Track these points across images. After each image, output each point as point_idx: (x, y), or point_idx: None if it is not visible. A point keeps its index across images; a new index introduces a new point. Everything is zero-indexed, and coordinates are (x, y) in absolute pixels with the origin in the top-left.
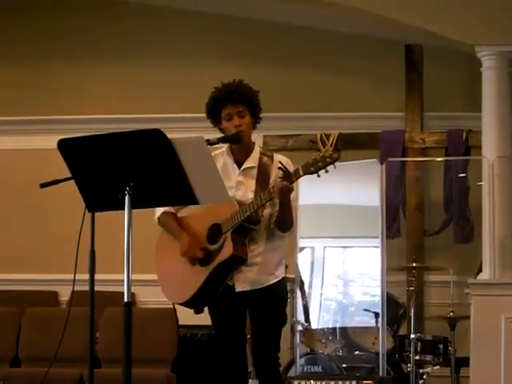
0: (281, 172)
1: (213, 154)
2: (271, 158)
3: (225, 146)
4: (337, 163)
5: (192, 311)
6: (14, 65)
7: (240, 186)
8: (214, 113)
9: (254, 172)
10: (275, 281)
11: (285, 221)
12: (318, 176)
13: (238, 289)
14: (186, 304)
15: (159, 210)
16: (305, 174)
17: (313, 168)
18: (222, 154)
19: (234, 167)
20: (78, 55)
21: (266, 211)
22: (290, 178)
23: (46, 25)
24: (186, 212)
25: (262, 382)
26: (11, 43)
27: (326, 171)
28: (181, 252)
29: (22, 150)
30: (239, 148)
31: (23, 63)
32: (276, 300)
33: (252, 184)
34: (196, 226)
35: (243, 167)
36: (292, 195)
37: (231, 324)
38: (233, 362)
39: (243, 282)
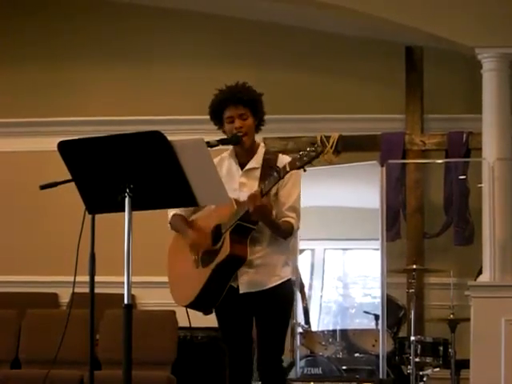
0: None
1: (219, 157)
2: (275, 158)
3: (229, 150)
4: (337, 165)
5: (195, 313)
6: (14, 67)
7: (243, 188)
8: (217, 115)
9: (257, 173)
10: (279, 282)
11: (274, 233)
12: (305, 171)
13: (242, 290)
14: (191, 306)
15: (169, 215)
16: (291, 170)
17: (298, 163)
18: (227, 158)
19: (238, 169)
20: (78, 57)
21: None
22: (278, 174)
23: (45, 27)
24: (197, 216)
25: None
26: (10, 45)
27: (311, 164)
28: (188, 246)
29: (22, 151)
30: (242, 150)
31: (23, 65)
32: (280, 302)
33: (255, 185)
34: (202, 226)
35: (245, 168)
36: (295, 194)
37: (237, 326)
38: (238, 364)
39: (247, 283)
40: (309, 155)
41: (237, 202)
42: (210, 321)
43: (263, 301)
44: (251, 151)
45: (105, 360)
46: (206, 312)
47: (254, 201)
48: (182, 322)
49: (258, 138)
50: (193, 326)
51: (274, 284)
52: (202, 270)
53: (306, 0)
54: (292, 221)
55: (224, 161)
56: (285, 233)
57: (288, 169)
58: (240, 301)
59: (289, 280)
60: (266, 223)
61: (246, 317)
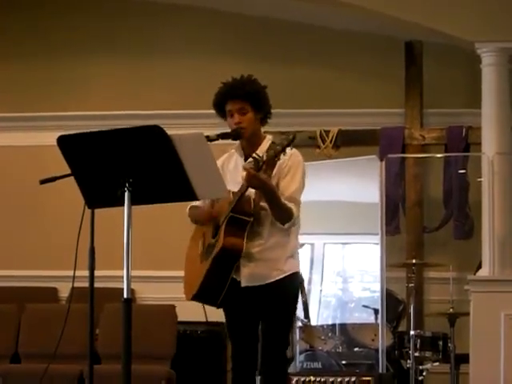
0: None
1: (227, 154)
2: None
3: (236, 144)
4: (336, 160)
5: (195, 308)
6: (14, 62)
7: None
8: (220, 108)
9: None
10: (282, 276)
11: (275, 210)
12: (278, 159)
13: (243, 284)
14: (195, 299)
15: (187, 208)
16: (268, 159)
17: (272, 151)
18: (234, 153)
19: (242, 162)
20: (77, 51)
21: None
22: (257, 164)
23: (45, 22)
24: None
25: (265, 379)
26: (11, 41)
27: (284, 153)
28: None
29: (21, 146)
30: (246, 143)
31: (23, 60)
32: (283, 296)
33: None
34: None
35: (248, 161)
36: (293, 185)
37: (241, 321)
38: (241, 359)
39: (248, 276)
40: (281, 144)
41: (233, 193)
42: (210, 315)
43: (266, 295)
44: (256, 144)
45: (104, 354)
46: (216, 306)
47: (247, 171)
48: (182, 316)
49: None
50: (192, 320)
51: (277, 278)
52: (203, 264)
53: None
54: (291, 206)
55: (232, 156)
56: (286, 213)
57: (265, 158)
58: (243, 295)
59: (294, 274)
60: (266, 196)
61: (251, 312)
